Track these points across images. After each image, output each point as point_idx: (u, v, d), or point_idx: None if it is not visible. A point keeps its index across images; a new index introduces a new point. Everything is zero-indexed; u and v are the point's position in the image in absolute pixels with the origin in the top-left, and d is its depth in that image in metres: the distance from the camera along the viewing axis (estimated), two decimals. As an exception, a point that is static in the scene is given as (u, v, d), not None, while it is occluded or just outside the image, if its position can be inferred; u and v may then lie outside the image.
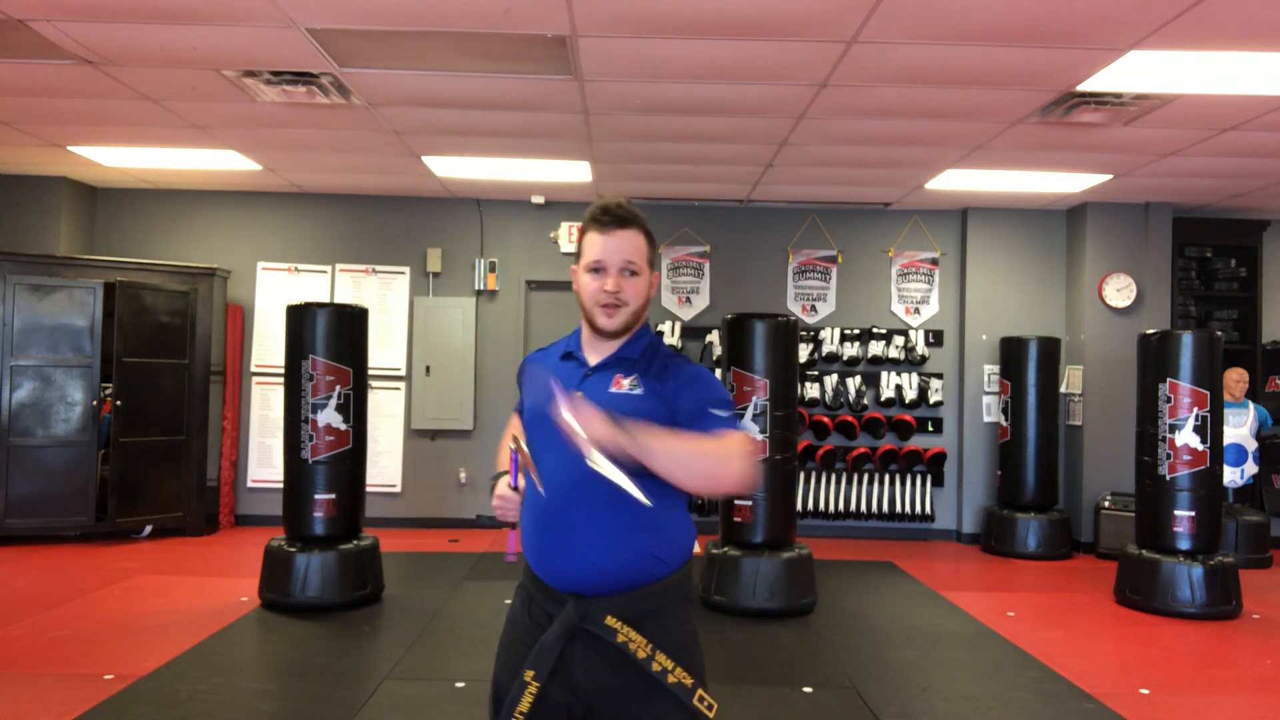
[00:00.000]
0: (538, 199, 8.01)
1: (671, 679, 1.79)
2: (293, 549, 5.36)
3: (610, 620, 1.79)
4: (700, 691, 1.82)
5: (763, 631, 5.14)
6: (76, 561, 6.47)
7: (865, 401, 7.96)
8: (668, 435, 1.74)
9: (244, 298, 8.04)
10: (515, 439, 1.88)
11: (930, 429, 8.04)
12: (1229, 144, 5.78)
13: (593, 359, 1.94)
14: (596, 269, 1.89)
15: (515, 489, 1.86)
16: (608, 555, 1.81)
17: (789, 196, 7.81)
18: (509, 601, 2.03)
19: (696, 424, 1.83)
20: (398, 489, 8.03)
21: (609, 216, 1.89)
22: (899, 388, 7.91)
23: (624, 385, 1.88)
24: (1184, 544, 5.73)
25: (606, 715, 1.81)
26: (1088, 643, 5.10)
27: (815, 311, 8.14)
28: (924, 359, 7.97)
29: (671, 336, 7.97)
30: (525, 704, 1.79)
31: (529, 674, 1.80)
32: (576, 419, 1.64)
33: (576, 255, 1.96)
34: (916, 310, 8.15)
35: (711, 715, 1.83)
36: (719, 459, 1.74)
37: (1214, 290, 8.11)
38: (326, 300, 7.83)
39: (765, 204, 8.06)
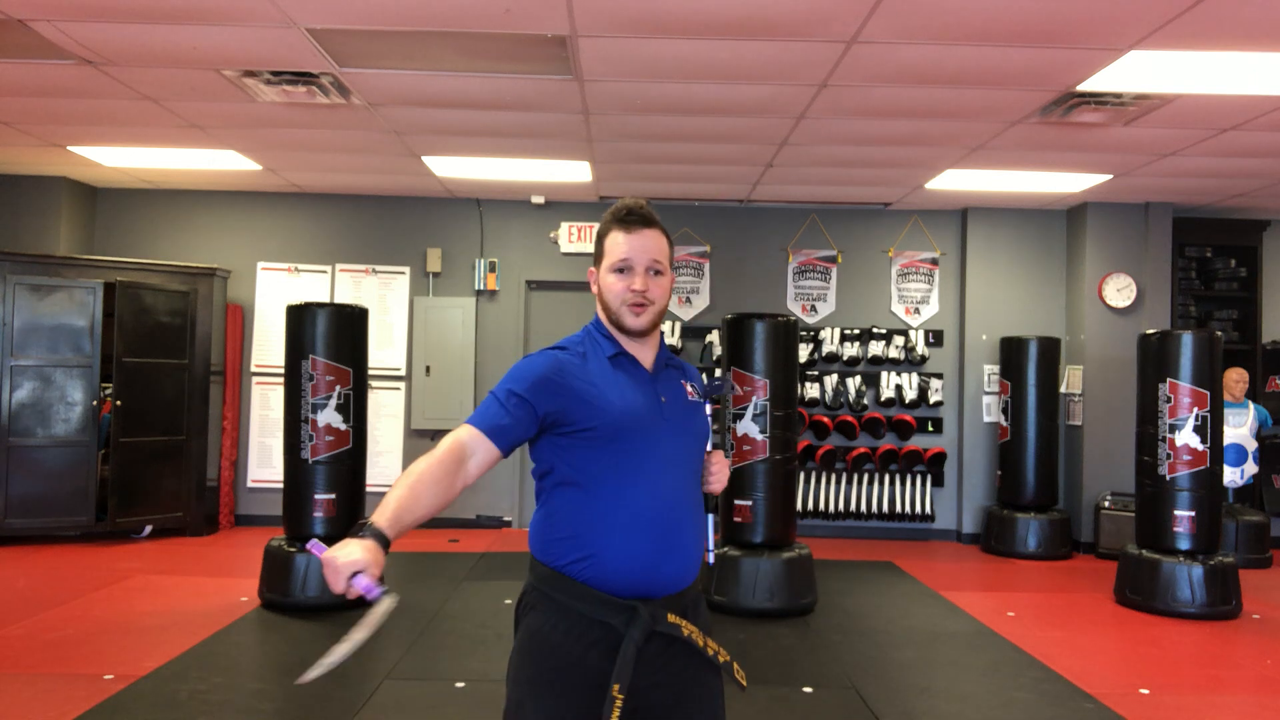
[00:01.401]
0: (538, 199, 8.01)
1: (721, 658, 1.90)
2: (293, 549, 5.36)
3: (672, 617, 1.84)
4: (735, 664, 1.94)
5: (763, 631, 5.14)
6: (76, 561, 6.47)
7: (865, 401, 7.96)
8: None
9: (244, 298, 8.04)
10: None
11: (930, 429, 8.04)
12: (1229, 144, 5.78)
13: (645, 362, 1.95)
14: (622, 269, 1.89)
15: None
16: (695, 555, 1.92)
17: (789, 196, 7.81)
18: (509, 602, 2.03)
19: None
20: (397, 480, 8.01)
21: (634, 216, 1.90)
22: (899, 388, 7.91)
23: (694, 394, 1.99)
24: (1184, 544, 5.73)
25: (658, 708, 1.83)
26: (1088, 643, 5.10)
27: (815, 311, 8.14)
28: (924, 359, 7.97)
29: (672, 336, 7.97)
30: (614, 718, 1.77)
31: (615, 688, 1.76)
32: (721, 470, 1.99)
33: (596, 257, 1.95)
34: (916, 310, 8.16)
35: (745, 685, 1.97)
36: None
37: (1214, 290, 8.10)
38: (326, 300, 7.83)
39: (765, 204, 8.06)
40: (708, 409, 2.01)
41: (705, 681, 1.91)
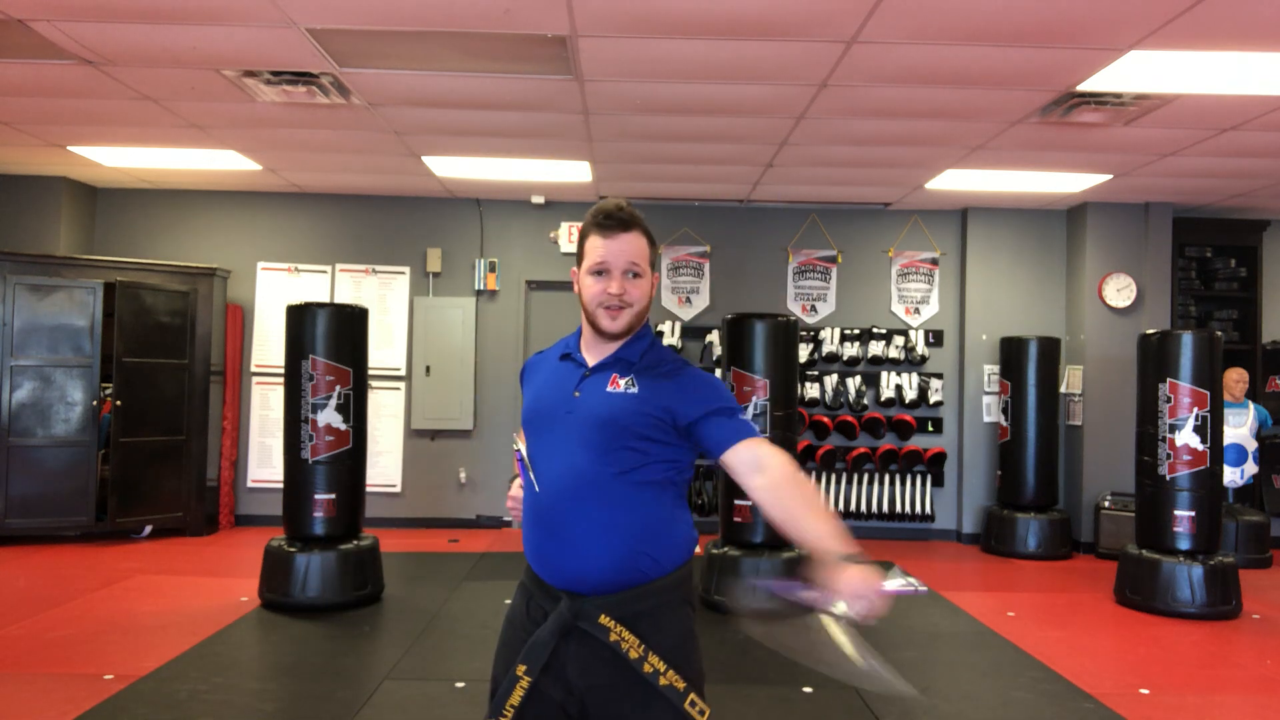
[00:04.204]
0: (538, 199, 8.01)
1: (663, 681, 1.78)
2: (293, 549, 5.36)
3: (604, 619, 1.80)
4: (693, 695, 1.80)
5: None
6: (76, 561, 6.47)
7: (865, 401, 7.96)
8: (822, 518, 1.80)
9: (244, 298, 8.04)
10: (516, 442, 1.97)
11: (930, 429, 8.03)
12: (1229, 144, 5.78)
13: (591, 360, 1.94)
14: (599, 271, 1.90)
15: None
16: (600, 553, 1.82)
17: (789, 196, 7.81)
18: (509, 601, 2.04)
19: (710, 429, 1.87)
20: (398, 489, 8.02)
21: (611, 220, 1.90)
22: (899, 388, 7.91)
23: (620, 385, 1.89)
24: (1184, 544, 5.73)
25: (599, 714, 1.82)
26: (1088, 643, 5.10)
27: (815, 311, 8.14)
28: (924, 359, 7.97)
29: (671, 336, 7.97)
30: (516, 697, 1.82)
31: (521, 668, 1.83)
32: (864, 607, 1.73)
33: (578, 258, 1.96)
34: (916, 310, 8.15)
35: None
36: (808, 488, 1.86)
37: (1214, 290, 8.10)
38: (326, 300, 7.83)
39: (765, 204, 8.06)
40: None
41: (642, 707, 1.79)
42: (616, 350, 1.93)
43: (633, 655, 1.78)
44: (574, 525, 1.83)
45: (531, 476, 1.89)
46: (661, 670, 1.78)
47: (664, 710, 1.79)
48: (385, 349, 7.98)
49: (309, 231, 8.13)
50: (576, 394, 1.89)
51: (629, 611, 1.81)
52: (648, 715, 1.79)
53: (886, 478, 7.93)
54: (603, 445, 1.84)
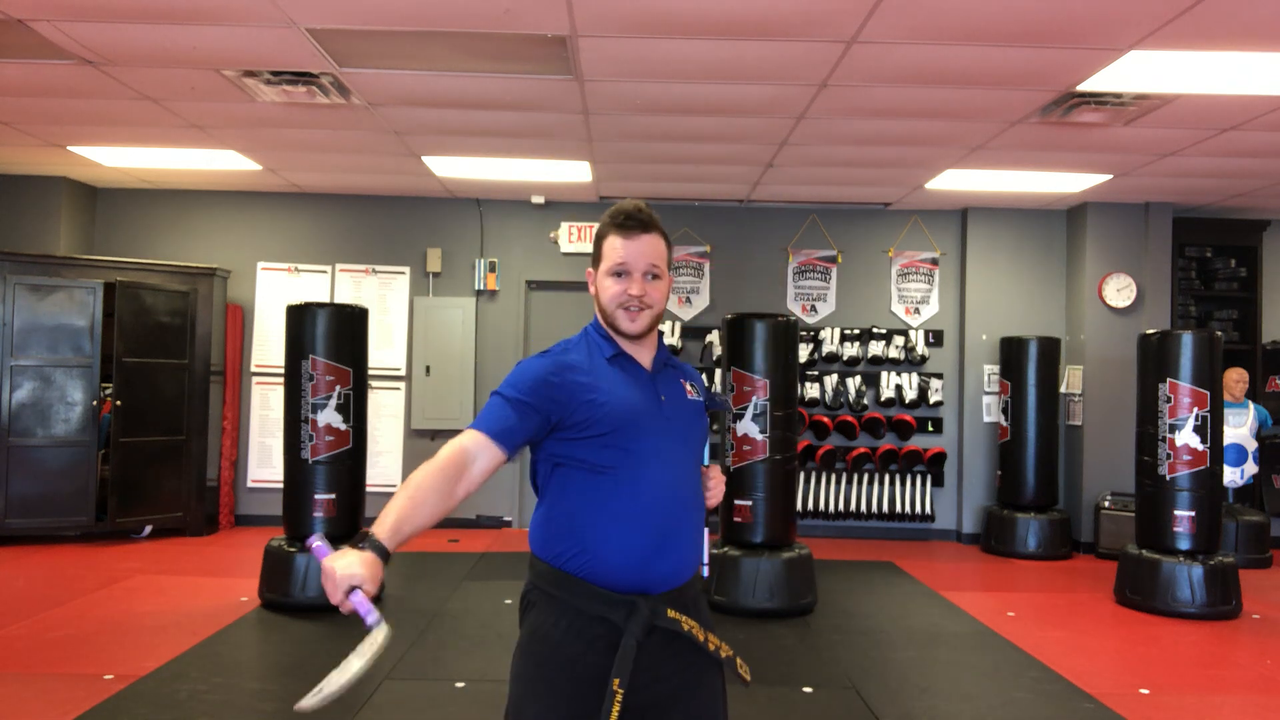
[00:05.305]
0: (538, 199, 8.01)
1: (723, 654, 1.91)
2: (293, 549, 5.36)
3: (672, 613, 1.85)
4: (738, 658, 1.95)
5: (763, 631, 5.14)
6: (76, 561, 6.47)
7: (865, 401, 7.96)
8: None
9: (244, 298, 8.04)
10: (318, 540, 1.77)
11: (930, 429, 8.04)
12: (1229, 144, 5.78)
13: (644, 361, 1.96)
14: (619, 272, 1.90)
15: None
16: (692, 553, 1.92)
17: (789, 196, 7.81)
18: (509, 602, 2.04)
19: None
20: (398, 489, 8.01)
21: (632, 221, 1.90)
22: (899, 388, 7.91)
23: (693, 393, 2.02)
24: (1184, 544, 5.73)
25: (659, 705, 1.83)
26: (1088, 643, 5.10)
27: (815, 311, 8.14)
28: (924, 359, 7.97)
29: (671, 336, 7.97)
30: (614, 715, 1.76)
31: (615, 682, 1.77)
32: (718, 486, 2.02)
33: (594, 259, 1.95)
34: (916, 310, 8.15)
35: (749, 680, 1.97)
36: None
37: (1214, 290, 8.10)
38: (326, 300, 7.83)
39: (765, 204, 8.06)
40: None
41: (706, 681, 1.91)
42: (658, 353, 1.99)
43: (700, 639, 1.87)
44: (680, 528, 1.89)
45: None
46: (718, 644, 1.91)
47: (720, 679, 1.95)
48: (385, 349, 7.98)
49: (309, 231, 8.13)
50: (662, 398, 1.93)
51: (683, 602, 1.89)
52: (713, 687, 1.92)
53: (886, 478, 7.93)
54: (696, 450, 1.97)
